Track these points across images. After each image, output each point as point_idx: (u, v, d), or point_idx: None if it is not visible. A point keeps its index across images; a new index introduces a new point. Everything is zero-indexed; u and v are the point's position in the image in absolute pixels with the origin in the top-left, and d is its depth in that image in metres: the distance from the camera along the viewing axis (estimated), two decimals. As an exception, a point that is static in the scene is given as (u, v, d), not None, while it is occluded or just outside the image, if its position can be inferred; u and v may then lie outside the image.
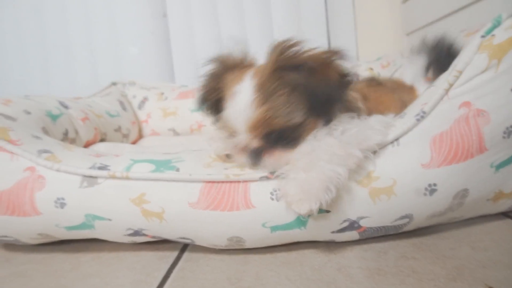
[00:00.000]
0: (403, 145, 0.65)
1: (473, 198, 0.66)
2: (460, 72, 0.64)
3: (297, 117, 0.66)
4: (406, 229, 0.70)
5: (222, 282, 0.63)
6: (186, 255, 0.75)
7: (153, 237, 0.74)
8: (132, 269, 0.71)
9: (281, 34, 0.73)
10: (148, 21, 2.27)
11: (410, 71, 1.12)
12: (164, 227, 0.69)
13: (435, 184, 0.63)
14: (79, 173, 0.71)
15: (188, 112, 1.68)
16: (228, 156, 0.73)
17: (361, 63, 1.65)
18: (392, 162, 0.64)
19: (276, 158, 0.67)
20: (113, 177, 0.70)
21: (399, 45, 2.01)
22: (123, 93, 1.78)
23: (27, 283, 0.69)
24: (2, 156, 0.74)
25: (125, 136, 1.58)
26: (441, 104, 0.64)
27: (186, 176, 0.68)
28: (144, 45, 2.28)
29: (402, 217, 0.66)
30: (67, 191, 0.71)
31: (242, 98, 0.66)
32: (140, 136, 1.74)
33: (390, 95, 0.90)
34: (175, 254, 0.75)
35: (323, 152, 0.62)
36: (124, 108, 1.66)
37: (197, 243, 0.73)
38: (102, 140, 1.42)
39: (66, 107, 1.27)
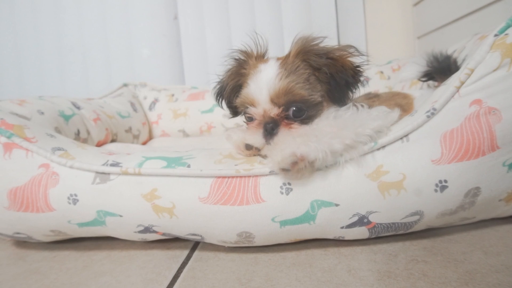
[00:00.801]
0: (413, 141, 0.65)
1: (485, 197, 0.65)
2: (472, 70, 0.63)
3: (315, 96, 0.72)
4: (416, 228, 0.69)
5: (232, 282, 0.63)
6: (196, 254, 0.75)
7: (163, 234, 0.75)
8: (143, 268, 0.72)
9: (291, 40, 0.77)
10: (160, 23, 2.30)
11: (409, 70, 1.14)
12: (175, 222, 0.70)
13: (446, 181, 0.63)
14: (92, 169, 0.72)
15: (198, 113, 1.69)
16: (247, 147, 0.73)
17: (371, 66, 1.64)
18: (402, 158, 0.64)
19: (292, 131, 0.70)
20: (125, 173, 0.71)
21: (410, 48, 2.00)
22: (134, 95, 1.81)
23: (41, 280, 0.70)
24: (18, 153, 0.75)
25: (136, 136, 1.60)
26: (452, 102, 0.64)
27: (197, 171, 0.68)
28: (156, 47, 2.31)
29: (412, 214, 0.65)
30: (80, 187, 0.72)
31: (267, 73, 0.72)
32: (150, 137, 1.76)
33: (388, 102, 0.93)
34: (185, 253, 0.76)
35: (314, 131, 0.66)
36: (135, 109, 1.68)
37: (207, 240, 0.73)
38: (113, 140, 1.44)
39: (78, 107, 1.30)
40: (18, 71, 2.51)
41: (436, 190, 0.63)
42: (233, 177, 0.67)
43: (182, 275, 0.67)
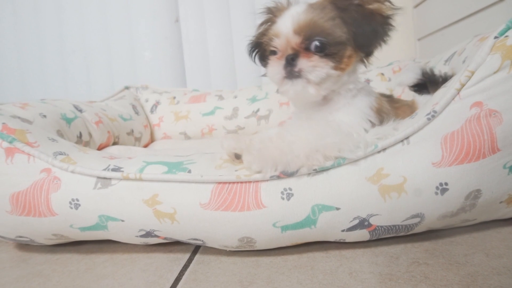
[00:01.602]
0: (413, 143, 0.65)
1: (485, 199, 0.65)
2: (473, 72, 0.63)
3: (339, 32, 0.72)
4: (417, 230, 0.69)
5: (234, 284, 0.63)
6: (197, 257, 0.76)
7: (165, 238, 0.75)
8: (145, 270, 0.72)
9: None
10: (162, 26, 2.30)
11: (406, 76, 1.17)
12: (176, 228, 0.70)
13: (446, 183, 0.63)
14: (94, 174, 0.73)
15: (200, 116, 1.69)
16: (236, 156, 0.74)
17: (372, 68, 1.64)
18: (402, 160, 0.64)
19: (313, 63, 0.71)
20: (126, 178, 0.71)
21: (411, 50, 2.00)
22: (136, 97, 1.81)
23: (44, 283, 0.71)
24: (20, 157, 0.76)
25: (138, 139, 1.61)
26: (453, 104, 0.64)
27: (198, 177, 0.69)
28: (158, 50, 2.31)
29: (413, 216, 0.65)
30: (82, 192, 0.73)
31: (294, 9, 0.76)
32: (152, 139, 1.77)
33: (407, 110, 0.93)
34: (187, 256, 0.76)
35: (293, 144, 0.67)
36: (136, 112, 1.68)
37: (208, 244, 0.74)
38: (114, 143, 1.45)
39: (80, 110, 1.30)
40: (21, 74, 2.52)
41: (436, 193, 0.63)
42: (233, 182, 0.68)
43: (184, 277, 0.68)
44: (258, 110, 1.63)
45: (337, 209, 0.65)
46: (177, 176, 0.70)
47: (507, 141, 0.61)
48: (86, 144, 1.25)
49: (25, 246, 0.88)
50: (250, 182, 0.67)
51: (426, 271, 0.61)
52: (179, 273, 0.69)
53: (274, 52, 0.78)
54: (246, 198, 0.67)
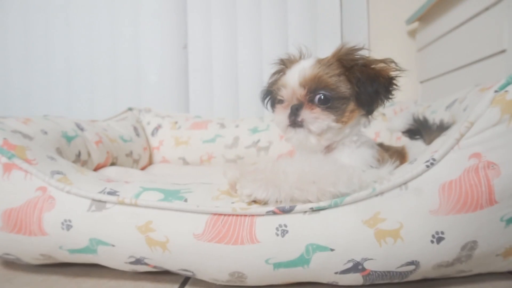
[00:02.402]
0: (411, 189, 0.65)
1: (482, 251, 0.64)
2: (472, 124, 0.64)
3: (343, 89, 0.77)
4: (412, 277, 0.68)
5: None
6: (186, 289, 0.74)
7: (155, 267, 0.73)
8: (132, 299, 0.70)
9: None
10: (169, 51, 2.34)
11: (397, 122, 1.21)
12: (167, 257, 0.69)
13: (442, 232, 0.62)
14: (89, 196, 0.72)
15: (200, 142, 1.70)
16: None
17: (381, 108, 1.66)
18: (400, 206, 0.64)
19: (315, 115, 0.76)
20: (121, 203, 0.71)
21: (413, 92, 2.04)
22: (138, 119, 1.83)
23: (26, 305, 0.69)
24: (17, 174, 0.75)
25: (136, 161, 1.60)
26: (452, 153, 0.65)
27: (193, 207, 0.68)
28: (164, 74, 2.35)
29: (408, 263, 0.64)
30: (75, 214, 0.72)
31: (302, 63, 0.81)
32: (150, 162, 1.76)
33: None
34: (175, 287, 0.74)
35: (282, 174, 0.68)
36: (137, 134, 1.69)
37: (198, 276, 0.72)
38: (112, 163, 1.44)
39: (82, 129, 1.31)
40: (26, 88, 2.55)
41: (432, 241, 0.62)
42: (229, 215, 0.67)
43: (171, 310, 0.66)
44: (258, 141, 1.64)
45: (332, 250, 0.64)
46: (173, 204, 0.69)
47: (505, 194, 0.61)
48: (84, 163, 1.25)
49: (11, 264, 0.86)
50: (245, 215, 0.67)
51: (420, 321, 0.60)
52: (166, 305, 0.67)
53: (281, 101, 0.82)
54: (240, 232, 0.66)
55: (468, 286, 0.71)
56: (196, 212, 0.68)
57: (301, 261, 0.65)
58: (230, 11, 2.23)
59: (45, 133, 1.07)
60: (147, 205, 0.70)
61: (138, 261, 0.72)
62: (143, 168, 1.66)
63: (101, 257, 0.74)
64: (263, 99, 0.95)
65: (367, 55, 0.80)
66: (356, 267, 0.65)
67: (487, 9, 1.30)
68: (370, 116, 0.84)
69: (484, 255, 0.65)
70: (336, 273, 0.66)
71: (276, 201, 0.66)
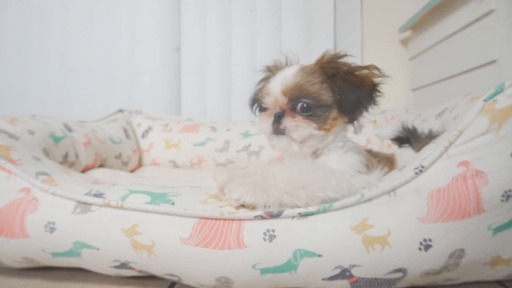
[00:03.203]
0: (400, 196, 0.65)
1: (469, 259, 0.64)
2: (461, 132, 0.64)
3: (325, 97, 0.77)
4: (399, 285, 0.68)
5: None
6: (172, 294, 0.73)
7: (140, 271, 0.72)
8: (116, 304, 0.69)
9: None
10: (163, 53, 2.33)
11: (386, 130, 1.21)
12: (153, 261, 0.68)
13: (430, 240, 0.62)
14: (74, 198, 0.71)
15: (191, 145, 1.69)
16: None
17: (365, 115, 1.66)
18: (388, 212, 0.64)
19: (297, 123, 0.76)
20: (107, 205, 0.69)
21: (404, 100, 2.06)
22: (129, 121, 1.81)
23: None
24: (1, 174, 0.74)
25: (125, 163, 1.59)
26: (440, 161, 0.65)
27: (180, 210, 0.67)
28: (156, 76, 2.33)
29: (396, 271, 0.64)
30: (59, 216, 0.70)
31: (286, 72, 0.81)
32: (140, 164, 1.74)
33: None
34: (161, 292, 0.73)
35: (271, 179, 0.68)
36: (127, 136, 1.67)
37: (184, 281, 0.71)
38: (101, 165, 1.42)
39: (70, 130, 1.29)
40: (20, 86, 2.51)
41: (420, 249, 0.62)
42: (216, 219, 0.66)
43: (155, 316, 0.65)
44: (249, 145, 1.63)
45: (319, 256, 0.63)
46: (160, 208, 0.68)
47: (492, 202, 0.61)
48: (72, 164, 1.23)
49: (-8, 267, 0.84)
50: (233, 220, 0.66)
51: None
52: (151, 311, 0.66)
53: (266, 109, 0.83)
54: (227, 236, 0.65)
55: (455, 295, 0.71)
56: (183, 215, 0.67)
57: (289, 266, 0.64)
58: (224, 14, 2.23)
59: (32, 133, 1.05)
60: (134, 207, 0.68)
61: (123, 265, 0.71)
62: (132, 171, 1.64)
63: (85, 261, 0.72)
64: (251, 106, 0.95)
65: (350, 62, 0.80)
66: (344, 273, 0.64)
67: (478, 20, 1.32)
68: (356, 123, 0.84)
69: (471, 264, 0.65)
70: (323, 279, 0.65)
71: (265, 206, 0.66)
